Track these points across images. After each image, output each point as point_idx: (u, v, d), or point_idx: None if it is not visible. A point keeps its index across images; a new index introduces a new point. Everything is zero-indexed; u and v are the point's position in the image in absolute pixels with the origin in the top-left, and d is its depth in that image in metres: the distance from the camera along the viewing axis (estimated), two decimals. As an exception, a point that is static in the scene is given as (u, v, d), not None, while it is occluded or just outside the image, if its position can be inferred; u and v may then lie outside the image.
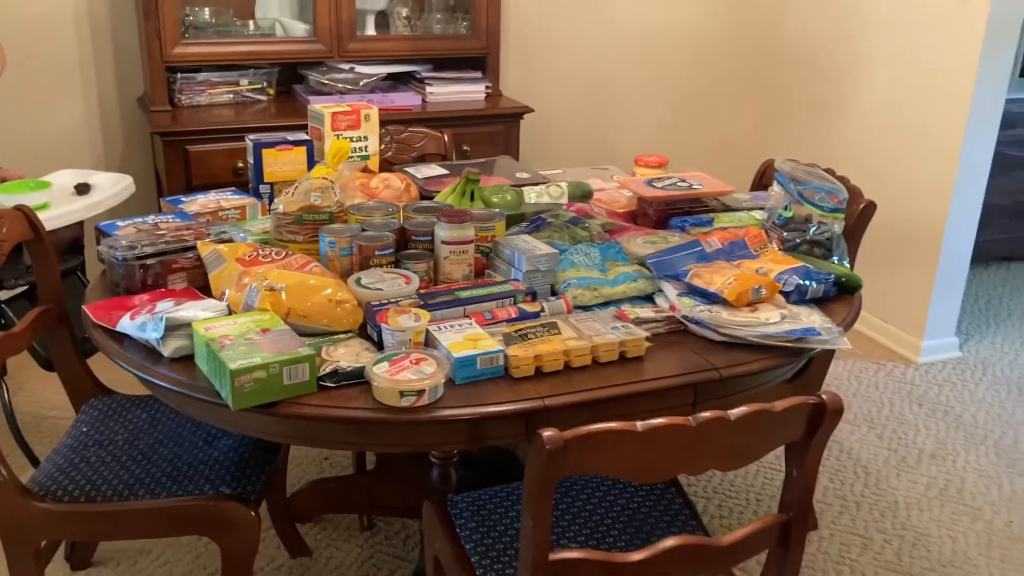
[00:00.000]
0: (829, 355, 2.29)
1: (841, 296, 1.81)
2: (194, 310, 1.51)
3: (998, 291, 4.01)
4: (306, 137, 2.17)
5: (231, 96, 3.06)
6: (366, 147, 2.25)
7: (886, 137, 3.38)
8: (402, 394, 1.34)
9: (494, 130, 3.12)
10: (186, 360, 1.48)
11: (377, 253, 1.70)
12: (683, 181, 2.18)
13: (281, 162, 2.12)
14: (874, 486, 2.57)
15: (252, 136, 2.13)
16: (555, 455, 1.11)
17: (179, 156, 2.73)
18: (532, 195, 2.16)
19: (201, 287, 1.72)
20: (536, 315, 1.59)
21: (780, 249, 1.93)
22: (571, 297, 1.69)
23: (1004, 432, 2.87)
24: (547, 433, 1.11)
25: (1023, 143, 4.01)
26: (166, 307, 1.54)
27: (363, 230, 1.75)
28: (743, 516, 2.43)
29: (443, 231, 1.72)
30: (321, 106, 2.23)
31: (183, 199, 2.05)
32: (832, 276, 1.78)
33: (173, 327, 1.47)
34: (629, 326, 1.56)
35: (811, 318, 1.65)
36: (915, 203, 3.29)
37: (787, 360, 1.57)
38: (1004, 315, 3.75)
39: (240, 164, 2.77)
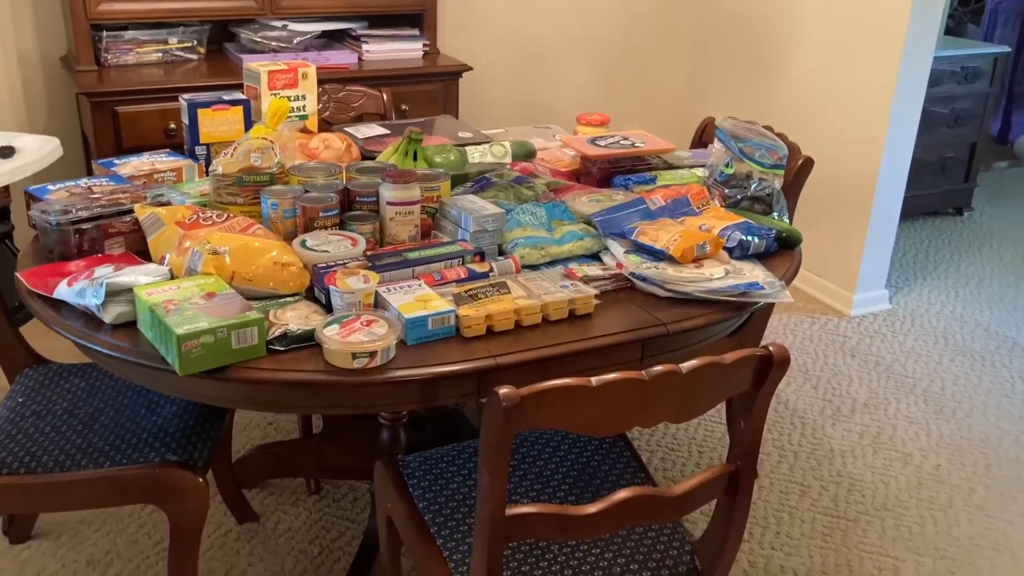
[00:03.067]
0: (768, 309, 2.34)
1: (782, 251, 1.84)
2: (135, 275, 1.47)
3: (924, 245, 4.13)
4: (242, 96, 2.11)
5: (160, 55, 2.96)
6: (304, 107, 2.21)
7: (818, 95, 3.44)
8: (354, 356, 1.33)
9: (432, 89, 3.08)
10: (128, 326, 1.44)
11: (321, 215, 1.68)
12: (625, 139, 2.19)
13: (217, 122, 2.06)
14: (810, 435, 2.65)
15: (186, 96, 2.07)
16: (511, 412, 1.12)
17: (108, 118, 2.64)
18: (475, 155, 2.15)
19: (140, 252, 1.68)
20: (485, 275, 1.59)
21: (722, 206, 1.96)
22: (519, 256, 1.69)
23: (932, 381, 2.98)
24: (503, 390, 1.11)
25: (946, 100, 4.12)
26: (105, 272, 1.49)
27: (306, 191, 1.72)
28: (686, 468, 2.48)
29: (388, 192, 1.70)
30: (257, 64, 2.17)
31: (116, 161, 1.99)
32: (773, 231, 1.81)
33: (114, 293, 1.44)
34: (578, 284, 1.57)
35: (754, 273, 1.69)
36: (847, 160, 3.36)
37: (732, 314, 1.60)
38: (930, 268, 3.87)
39: (173, 125, 2.69)
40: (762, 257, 1.80)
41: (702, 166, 2.16)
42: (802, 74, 3.51)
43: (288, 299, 1.52)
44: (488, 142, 2.24)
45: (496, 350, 1.42)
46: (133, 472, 1.64)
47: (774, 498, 2.37)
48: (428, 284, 1.54)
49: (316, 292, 1.55)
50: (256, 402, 1.41)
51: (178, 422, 1.75)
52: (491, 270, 1.61)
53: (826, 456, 2.56)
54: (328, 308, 1.50)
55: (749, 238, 1.77)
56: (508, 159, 2.16)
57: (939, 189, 4.32)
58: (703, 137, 2.48)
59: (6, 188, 2.27)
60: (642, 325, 1.52)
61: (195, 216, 1.65)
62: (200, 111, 2.04)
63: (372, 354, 1.34)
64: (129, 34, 2.90)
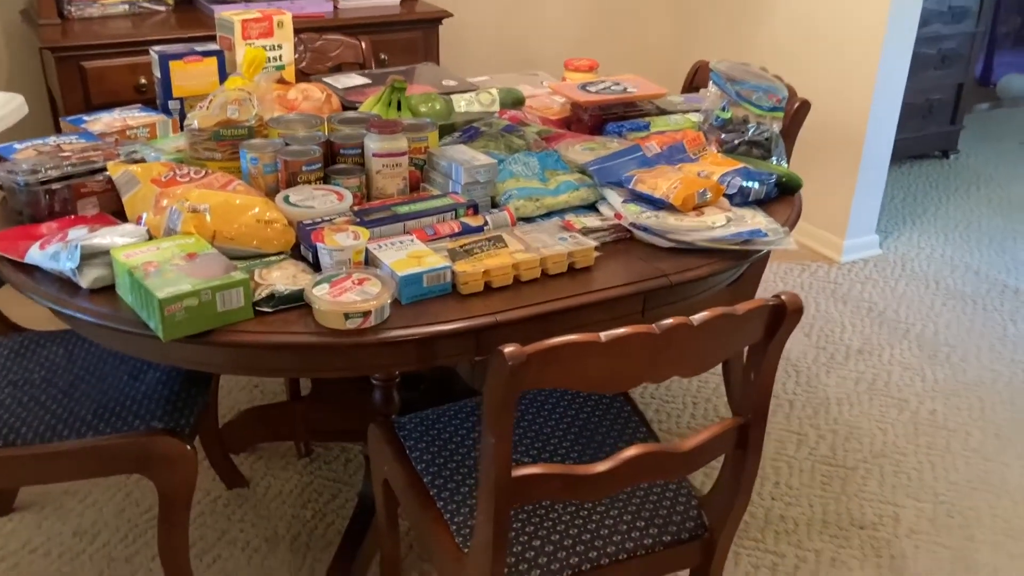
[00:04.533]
0: (765, 258, 2.29)
1: (781, 196, 1.79)
2: (111, 236, 1.39)
3: (912, 189, 4.09)
4: (216, 47, 2.02)
5: (126, 7, 2.83)
6: (280, 56, 2.11)
7: (808, 38, 3.36)
8: (347, 316, 1.27)
9: (412, 37, 2.98)
10: (107, 291, 1.37)
11: (304, 169, 1.60)
12: (617, 84, 2.12)
13: (190, 75, 1.97)
14: (805, 384, 2.63)
15: (156, 48, 1.97)
16: (517, 371, 1.06)
17: (74, 73, 2.52)
18: (462, 103, 2.07)
19: (115, 212, 1.60)
20: (480, 229, 1.53)
21: (719, 151, 1.89)
22: (513, 209, 1.62)
23: (925, 325, 2.95)
24: (508, 349, 1.05)
25: (934, 40, 4.05)
26: (79, 235, 1.42)
27: (286, 144, 1.64)
28: (681, 420, 2.45)
29: (374, 143, 1.63)
30: (229, 13, 2.07)
31: (85, 118, 1.89)
32: (774, 176, 1.76)
33: (90, 255, 1.36)
34: (577, 236, 1.51)
35: (756, 220, 1.63)
36: (837, 104, 3.29)
37: (734, 263, 1.55)
38: (919, 212, 3.84)
39: (143, 80, 2.58)
40: (762, 203, 1.74)
41: (696, 111, 2.09)
42: (791, 13, 3.42)
43: (273, 258, 1.45)
44: (474, 90, 2.16)
45: (495, 307, 1.36)
46: (118, 441, 1.57)
47: (771, 448, 2.34)
48: (421, 240, 1.48)
49: (302, 250, 1.48)
50: (244, 367, 1.35)
51: (162, 388, 1.69)
52: (486, 223, 1.54)
53: (822, 404, 2.53)
54: (316, 267, 1.43)
55: (749, 184, 1.71)
56: (496, 107, 2.08)
57: (926, 132, 4.27)
58: (695, 81, 2.40)
59: (-30, 149, 2.16)
60: (644, 277, 1.46)
61: (171, 173, 1.57)
62: (172, 63, 1.94)
63: (366, 314, 1.27)
64: (93, -15, 2.77)
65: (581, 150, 1.84)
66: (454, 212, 1.56)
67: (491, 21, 3.60)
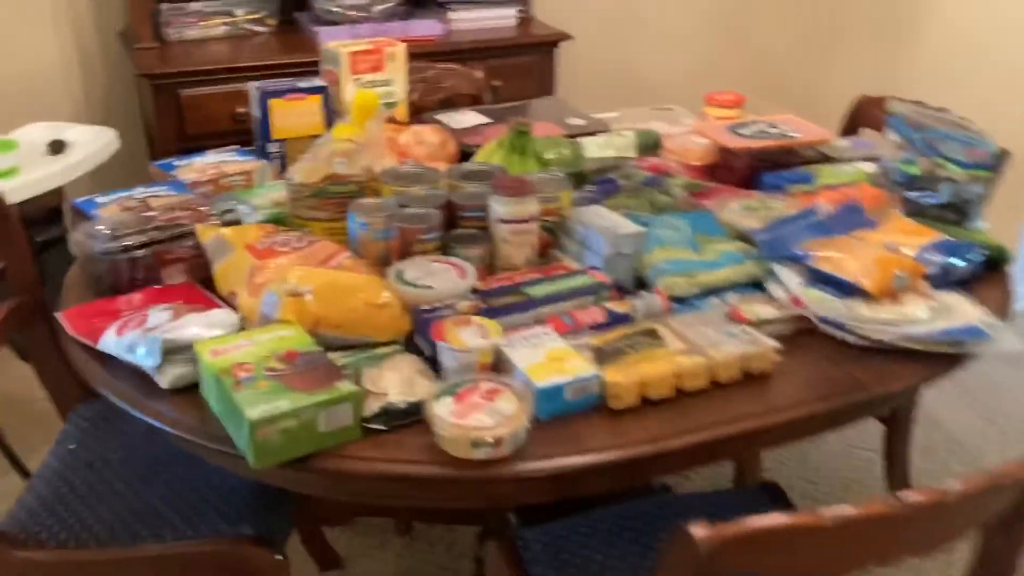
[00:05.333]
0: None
1: (986, 273, 1.47)
2: (197, 326, 1.18)
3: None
4: (320, 83, 1.80)
5: (226, 28, 2.66)
6: (392, 92, 1.89)
7: (962, 62, 2.98)
8: (475, 444, 1.02)
9: (527, 62, 2.73)
10: (190, 390, 1.16)
11: (422, 238, 1.36)
12: (773, 127, 1.83)
13: (293, 113, 1.76)
14: (970, 463, 2.28)
15: (257, 83, 1.77)
16: (711, 559, 0.79)
17: (171, 102, 2.36)
18: (593, 148, 1.81)
19: (204, 280, 1.39)
20: (628, 318, 1.26)
21: (903, 213, 1.59)
22: (664, 287, 1.36)
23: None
24: (699, 532, 0.79)
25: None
26: (161, 319, 1.21)
27: (401, 207, 1.41)
28: (829, 501, 2.14)
29: (500, 207, 1.38)
30: (336, 44, 1.86)
31: (175, 163, 1.70)
32: (981, 250, 1.44)
33: (172, 351, 1.15)
34: (750, 332, 1.23)
35: (964, 310, 1.32)
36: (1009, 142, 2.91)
37: (944, 369, 1.25)
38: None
39: (241, 110, 2.39)
40: (965, 284, 1.43)
41: (869, 159, 1.79)
42: (942, 38, 3.05)
43: (384, 350, 1.22)
44: (605, 131, 1.90)
45: (654, 428, 1.10)
46: (201, 549, 1.36)
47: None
48: (558, 331, 1.22)
49: (417, 339, 1.24)
50: (350, 493, 1.12)
51: (252, 482, 1.47)
52: (634, 310, 1.28)
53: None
54: (433, 362, 1.19)
55: (954, 261, 1.40)
56: (632, 152, 1.82)
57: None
58: (855, 119, 2.09)
59: (58, 188, 2.01)
60: (837, 389, 1.18)
61: (269, 240, 1.35)
62: (272, 102, 1.73)
63: (498, 442, 1.03)
64: (193, 5, 2.61)
65: (740, 210, 1.56)
66: (596, 294, 1.30)
67: (601, 41, 3.32)
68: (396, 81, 1.88)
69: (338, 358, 1.18)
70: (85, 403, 1.70)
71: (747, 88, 3.51)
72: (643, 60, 3.44)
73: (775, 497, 1.45)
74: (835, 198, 1.61)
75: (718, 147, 1.81)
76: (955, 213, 1.59)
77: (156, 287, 1.37)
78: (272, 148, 1.76)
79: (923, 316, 1.29)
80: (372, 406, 1.09)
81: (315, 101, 1.77)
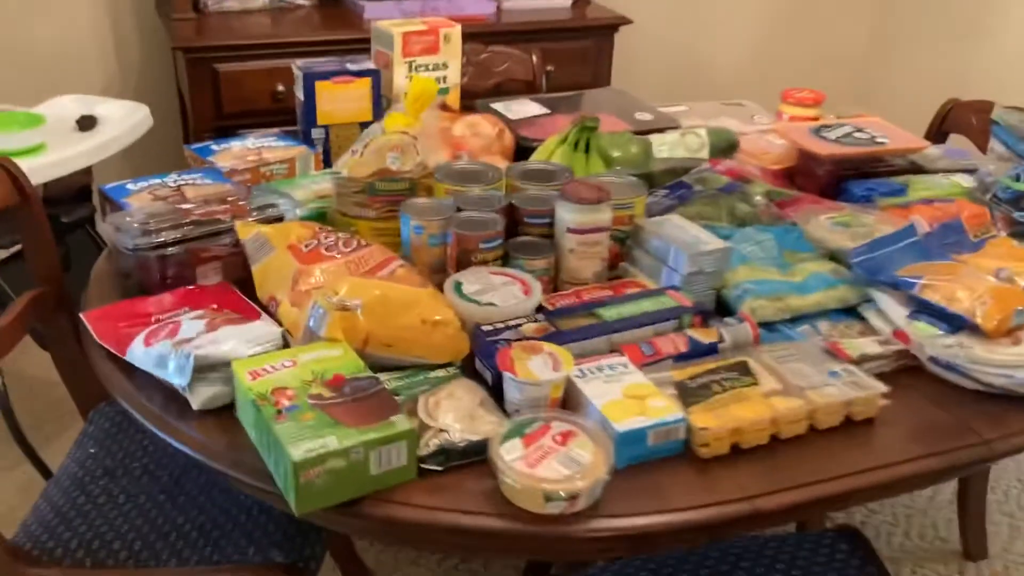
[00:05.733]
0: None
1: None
2: (234, 340, 1.05)
3: None
4: (370, 65, 1.67)
5: (267, 0, 2.53)
6: (445, 77, 1.75)
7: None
8: (548, 498, 0.89)
9: (582, 47, 2.58)
10: (224, 411, 1.03)
11: (482, 246, 1.23)
12: (860, 131, 1.68)
13: (339, 98, 1.63)
14: (1043, 497, 2.14)
15: (300, 63, 1.64)
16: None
17: (207, 77, 2.23)
18: (663, 147, 1.66)
19: (240, 280, 1.27)
20: (714, 349, 1.13)
21: (1008, 235, 1.43)
22: (749, 311, 1.22)
23: None
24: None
25: None
26: (194, 330, 1.08)
27: (459, 209, 1.28)
28: (893, 539, 2.00)
29: (569, 214, 1.24)
30: (388, 23, 1.72)
31: (213, 147, 1.57)
32: (1103, 282, 1.29)
33: (205, 368, 1.03)
34: (853, 371, 1.09)
35: (1089, 351, 1.17)
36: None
37: (1069, 419, 1.11)
38: None
39: (281, 88, 2.27)
40: (1082, 318, 1.28)
41: (967, 171, 1.63)
42: (1016, 36, 2.86)
43: (439, 372, 1.09)
44: (676, 128, 1.75)
45: (747, 482, 0.96)
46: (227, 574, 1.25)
47: (1011, 588, 1.88)
48: (633, 361, 1.09)
49: (477, 364, 1.11)
50: (402, 540, 1.00)
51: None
52: (721, 340, 1.14)
53: (1070, 530, 2.04)
54: (495, 389, 1.06)
55: (1075, 294, 1.25)
56: (705, 153, 1.67)
57: None
58: (945, 124, 1.93)
59: (88, 168, 1.89)
60: (950, 439, 1.04)
61: (315, 241, 1.23)
62: (318, 84, 1.60)
63: (573, 496, 0.89)
64: (233, -26, 2.48)
65: (830, 226, 1.41)
66: (678, 319, 1.16)
67: (660, 26, 3.16)
68: (451, 65, 1.75)
69: (389, 380, 1.06)
70: (108, 402, 1.59)
71: (815, 83, 3.34)
72: (706, 48, 3.27)
73: (855, 545, 1.31)
74: (932, 215, 1.46)
75: (800, 151, 1.66)
76: (1067, 236, 1.43)
77: (189, 288, 1.25)
78: (316, 134, 1.63)
79: (1045, 358, 1.14)
80: (429, 443, 0.96)
81: (364, 85, 1.64)
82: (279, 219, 1.32)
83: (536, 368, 1.01)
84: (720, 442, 0.98)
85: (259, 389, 0.96)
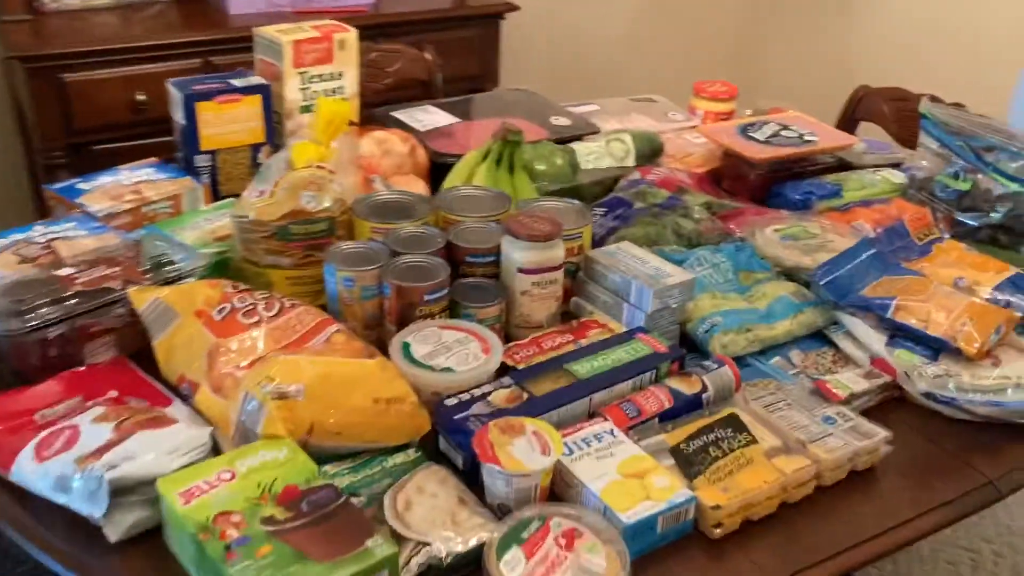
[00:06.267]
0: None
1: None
2: (154, 452, 0.87)
3: None
4: (258, 80, 1.47)
5: (113, -5, 2.25)
6: (342, 88, 1.57)
7: (933, 33, 2.84)
8: (566, 621, 0.77)
9: (467, 36, 2.43)
10: (149, 537, 0.85)
11: (427, 298, 1.08)
12: (787, 128, 1.61)
13: (226, 120, 1.42)
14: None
15: (175, 81, 1.42)
16: None
17: (52, 90, 1.95)
18: (589, 156, 1.55)
19: (137, 354, 1.07)
20: (699, 401, 1.02)
21: (951, 236, 1.39)
22: (720, 347, 1.12)
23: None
24: None
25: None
26: (99, 437, 0.89)
27: (393, 254, 1.12)
28: None
29: (520, 252, 1.11)
30: (273, 30, 1.51)
31: (81, 186, 1.34)
32: (1058, 287, 1.27)
33: (122, 489, 0.84)
34: (846, 414, 1.01)
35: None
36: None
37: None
38: None
39: (142, 97, 2.01)
40: (1034, 324, 1.25)
41: (893, 166, 1.60)
42: (889, 6, 2.90)
43: (397, 458, 0.94)
44: (597, 132, 1.64)
45: (764, 561, 0.87)
46: None
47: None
48: (619, 425, 0.97)
49: (442, 443, 0.97)
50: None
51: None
52: (704, 389, 1.03)
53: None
54: (468, 475, 0.92)
55: (1035, 303, 1.22)
56: (632, 161, 1.57)
57: None
58: (856, 113, 1.90)
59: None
60: (961, 488, 0.98)
61: (227, 305, 1.05)
62: (200, 106, 1.39)
63: (592, 612, 0.77)
64: (70, -34, 2.18)
65: (780, 240, 1.33)
66: (655, 370, 1.05)
67: (548, 12, 3.02)
68: (347, 74, 1.56)
69: (341, 474, 0.90)
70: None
71: (691, 61, 3.30)
72: (592, 31, 3.15)
73: None
74: (873, 218, 1.42)
75: (729, 153, 1.58)
76: (1008, 235, 1.41)
77: (78, 370, 1.04)
78: (201, 161, 1.43)
79: (1025, 377, 1.10)
80: (411, 562, 0.81)
81: (254, 103, 1.44)
82: (178, 278, 1.12)
83: (522, 454, 0.87)
84: (732, 519, 0.88)
85: (197, 517, 0.79)
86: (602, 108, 1.83)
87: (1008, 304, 1.19)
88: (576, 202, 1.26)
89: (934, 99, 1.59)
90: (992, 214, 1.40)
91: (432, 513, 0.86)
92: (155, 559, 0.83)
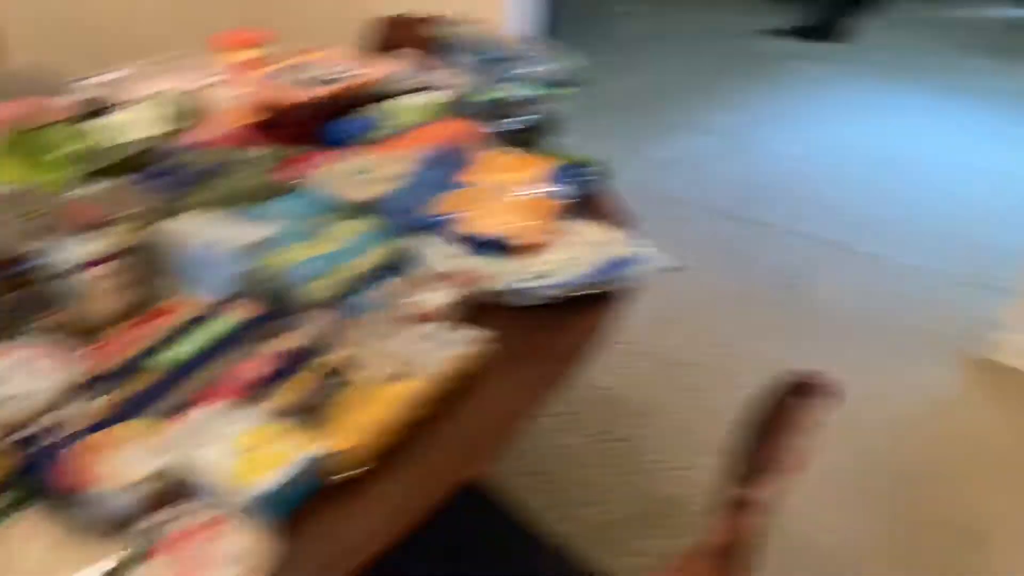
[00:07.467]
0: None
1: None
2: None
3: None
4: None
5: None
6: None
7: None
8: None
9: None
10: None
11: (-30, 325, 0.94)
12: (322, 67, 1.62)
13: None
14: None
15: None
16: None
17: None
18: (123, 128, 1.42)
19: None
20: (306, 354, 1.01)
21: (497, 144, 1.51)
22: (311, 295, 1.12)
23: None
24: None
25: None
26: None
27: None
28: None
29: (80, 248, 1.01)
30: None
31: None
32: (587, 169, 1.43)
33: None
34: (443, 328, 1.06)
35: (600, 238, 1.29)
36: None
37: (621, 302, 1.22)
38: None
39: None
40: (583, 207, 1.40)
41: (424, 88, 1.67)
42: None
43: (-18, 510, 0.82)
44: (127, 102, 1.51)
45: (408, 479, 0.90)
46: None
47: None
48: (228, 397, 0.93)
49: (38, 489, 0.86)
50: None
51: None
52: (307, 342, 1.02)
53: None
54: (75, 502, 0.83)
55: (570, 188, 1.36)
56: (171, 127, 1.47)
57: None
58: (386, 43, 1.95)
59: None
60: (553, 362, 1.08)
61: None
62: None
63: (250, 595, 0.75)
64: None
65: (344, 177, 1.35)
66: (253, 336, 1.02)
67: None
68: None
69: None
70: None
71: (205, 13, 3.13)
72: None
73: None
74: (424, 140, 1.48)
75: (271, 102, 1.54)
76: (538, 135, 1.56)
77: None
78: None
79: (569, 256, 1.23)
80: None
81: None
82: None
83: (127, 463, 0.80)
84: (365, 456, 0.90)
85: None
86: (126, 76, 1.68)
87: (550, 195, 1.33)
88: (122, 179, 1.16)
89: (449, 21, 1.68)
90: (522, 117, 1.53)
91: (43, 563, 0.76)
92: None
